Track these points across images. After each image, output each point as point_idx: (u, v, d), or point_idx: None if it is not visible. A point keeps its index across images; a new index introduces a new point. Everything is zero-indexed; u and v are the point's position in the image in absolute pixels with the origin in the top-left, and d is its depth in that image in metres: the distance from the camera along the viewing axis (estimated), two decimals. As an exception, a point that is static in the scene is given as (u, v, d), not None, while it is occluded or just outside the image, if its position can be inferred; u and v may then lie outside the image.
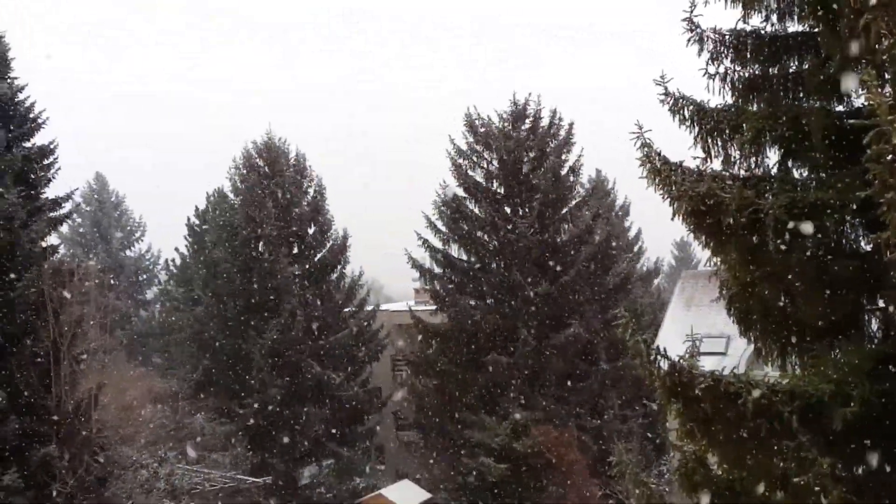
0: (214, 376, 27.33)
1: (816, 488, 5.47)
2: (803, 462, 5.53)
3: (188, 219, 34.69)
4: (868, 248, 6.39)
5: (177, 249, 35.84)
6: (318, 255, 29.19)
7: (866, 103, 5.04)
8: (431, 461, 25.64)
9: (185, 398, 25.17)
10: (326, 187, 29.32)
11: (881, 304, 6.75)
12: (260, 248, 27.73)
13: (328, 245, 29.26)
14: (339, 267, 29.38)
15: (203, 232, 33.09)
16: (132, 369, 26.39)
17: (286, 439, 26.09)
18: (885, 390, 5.62)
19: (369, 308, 29.76)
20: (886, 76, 5.21)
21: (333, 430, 27.03)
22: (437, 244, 26.46)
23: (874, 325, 6.87)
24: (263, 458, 25.47)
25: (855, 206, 6.01)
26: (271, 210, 27.65)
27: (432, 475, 25.06)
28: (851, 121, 4.66)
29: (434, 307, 26.73)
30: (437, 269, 26.64)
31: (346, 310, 29.07)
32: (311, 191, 29.45)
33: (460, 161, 26.67)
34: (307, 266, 28.69)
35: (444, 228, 26.50)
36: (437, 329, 26.25)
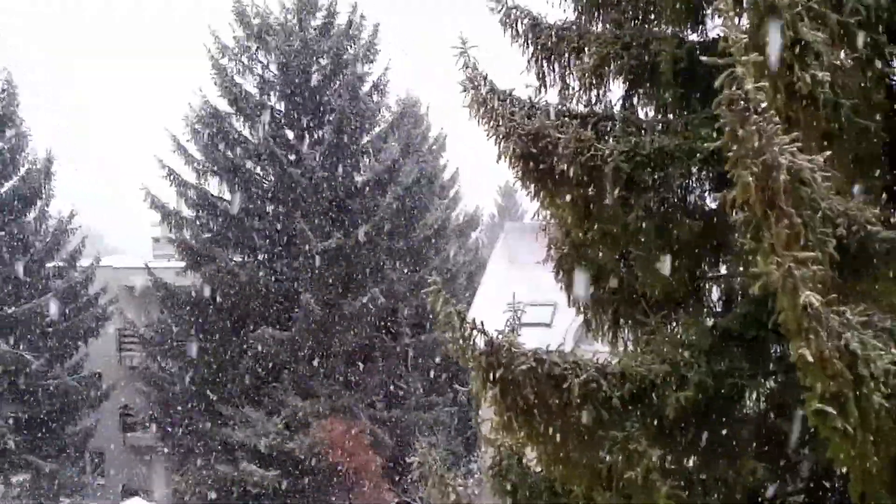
0: None
1: (645, 484, 6.23)
2: (631, 455, 6.24)
3: None
4: (714, 205, 7.22)
5: None
6: (7, 185, 27.26)
7: (721, 35, 5.63)
8: (173, 472, 25.23)
9: None
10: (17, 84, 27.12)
11: (723, 270, 7.74)
12: None
13: (22, 170, 27.38)
14: (38, 203, 27.64)
15: None
16: None
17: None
18: (720, 371, 6.50)
19: (85, 263, 28.37)
20: (745, 4, 5.76)
21: (29, 434, 25.70)
22: (190, 177, 25.79)
23: (715, 295, 7.86)
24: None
25: (702, 157, 6.78)
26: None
27: (174, 489, 24.72)
28: (704, 57, 5.17)
29: (182, 264, 26.03)
30: (188, 212, 25.97)
31: (50, 265, 27.60)
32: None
33: (225, 62, 25.88)
34: (-11, 200, 26.49)
35: (198, 155, 25.75)
36: (187, 294, 25.64)
